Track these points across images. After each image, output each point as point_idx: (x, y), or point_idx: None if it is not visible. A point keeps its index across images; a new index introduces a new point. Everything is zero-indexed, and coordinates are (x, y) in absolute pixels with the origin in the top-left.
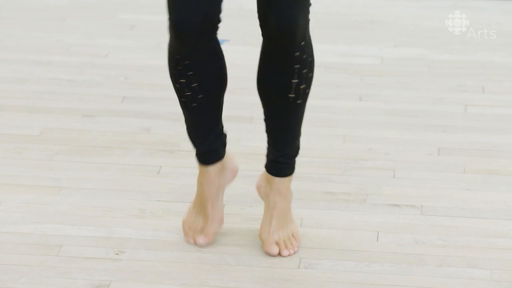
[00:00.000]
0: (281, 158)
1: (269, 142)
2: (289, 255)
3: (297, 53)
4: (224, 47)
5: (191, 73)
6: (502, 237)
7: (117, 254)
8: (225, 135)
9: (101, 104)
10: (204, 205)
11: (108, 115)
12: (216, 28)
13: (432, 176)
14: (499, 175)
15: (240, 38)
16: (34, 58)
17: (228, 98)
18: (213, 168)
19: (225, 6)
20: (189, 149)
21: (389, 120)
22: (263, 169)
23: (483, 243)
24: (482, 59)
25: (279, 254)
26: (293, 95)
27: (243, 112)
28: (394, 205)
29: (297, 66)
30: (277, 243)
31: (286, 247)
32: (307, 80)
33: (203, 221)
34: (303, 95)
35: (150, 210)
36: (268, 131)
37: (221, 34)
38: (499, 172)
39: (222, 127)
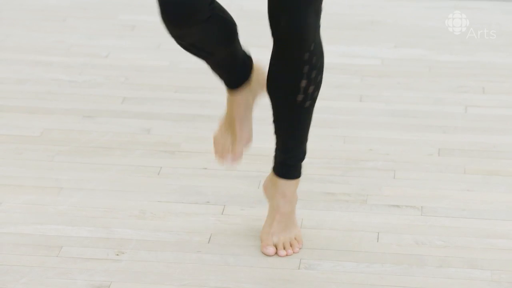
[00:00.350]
0: (287, 160)
1: (276, 144)
2: (286, 255)
3: (307, 55)
4: None
5: (192, 48)
6: (503, 237)
7: (117, 254)
8: (248, 58)
9: (102, 105)
10: (232, 124)
11: (109, 115)
12: (208, 4)
13: (433, 176)
14: (499, 175)
15: (242, 39)
16: (35, 58)
17: None
18: (239, 91)
19: (226, 7)
20: (190, 150)
21: (389, 120)
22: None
23: (483, 243)
24: (483, 60)
25: (276, 254)
26: (301, 98)
27: None
28: (394, 205)
29: (306, 68)
30: (275, 245)
31: (284, 248)
32: (316, 83)
33: (231, 140)
34: (312, 98)
35: (151, 210)
36: (276, 133)
37: None
38: (499, 172)
39: (244, 54)
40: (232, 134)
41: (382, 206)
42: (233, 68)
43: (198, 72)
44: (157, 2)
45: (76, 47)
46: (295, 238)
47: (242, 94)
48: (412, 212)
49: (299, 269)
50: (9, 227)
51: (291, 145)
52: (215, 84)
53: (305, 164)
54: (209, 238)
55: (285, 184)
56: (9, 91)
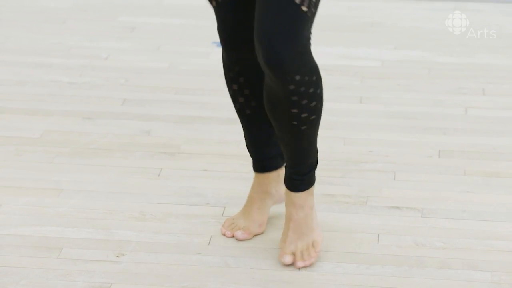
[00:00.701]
0: (293, 175)
1: (284, 158)
2: (304, 266)
3: (292, 87)
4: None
5: (242, 78)
6: (503, 239)
7: (117, 256)
8: (281, 156)
9: (102, 107)
10: (250, 207)
11: (109, 117)
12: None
13: (433, 178)
14: (499, 177)
15: None
16: (35, 60)
17: (229, 100)
18: (267, 177)
19: None
20: (190, 152)
21: (389, 122)
22: None
23: (483, 245)
24: (482, 61)
25: (294, 265)
26: (296, 123)
27: None
28: (394, 207)
29: (295, 98)
30: (294, 253)
31: (302, 257)
32: (310, 109)
33: (244, 221)
34: (308, 123)
35: (151, 212)
36: (281, 148)
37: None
38: (499, 174)
39: (277, 145)
40: (247, 216)
41: (382, 207)
42: (268, 139)
43: (198, 74)
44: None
45: (76, 49)
46: (312, 244)
47: (270, 183)
48: (412, 213)
49: (299, 270)
50: (9, 228)
51: (295, 161)
52: (215, 86)
53: None
54: (209, 240)
55: (294, 195)
56: (9, 92)
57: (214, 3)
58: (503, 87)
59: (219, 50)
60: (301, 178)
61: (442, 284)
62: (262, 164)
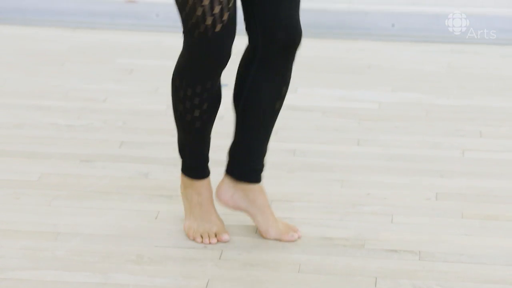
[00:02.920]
0: (258, 166)
1: (241, 154)
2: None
3: (288, 76)
4: (222, 92)
5: (206, 104)
6: (501, 282)
7: None
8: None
9: (99, 149)
10: (209, 211)
11: (106, 160)
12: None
13: (430, 221)
14: (497, 220)
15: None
16: (33, 102)
17: (227, 142)
18: (206, 180)
19: None
20: None
21: (387, 164)
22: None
23: None
24: (480, 104)
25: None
26: (279, 103)
27: None
28: (392, 250)
29: (289, 75)
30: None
31: (288, 232)
32: (284, 96)
33: (216, 225)
34: (281, 103)
35: (148, 255)
36: (239, 144)
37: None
38: (497, 217)
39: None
40: (214, 220)
41: (380, 250)
42: (207, 151)
43: None
44: (201, 42)
45: (74, 91)
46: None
47: (209, 182)
48: (410, 256)
49: None
50: (7, 272)
51: (261, 153)
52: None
53: (303, 208)
54: (207, 283)
55: (259, 186)
56: (7, 135)
57: (218, 27)
58: (501, 130)
59: None
60: (261, 169)
61: None
62: (205, 169)
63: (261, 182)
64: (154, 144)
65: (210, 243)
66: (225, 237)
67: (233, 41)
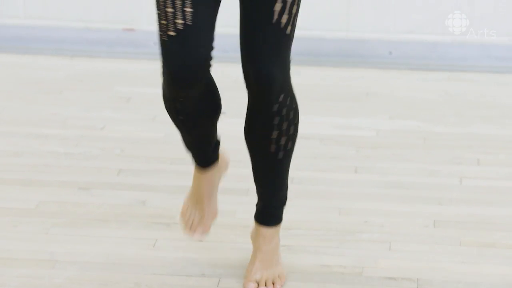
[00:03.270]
0: (265, 208)
1: (256, 192)
2: None
3: (276, 107)
4: (220, 120)
5: (184, 115)
6: None
7: None
8: (219, 142)
9: (97, 177)
10: (200, 201)
11: (104, 187)
12: (209, 66)
13: (428, 248)
14: (495, 248)
15: (236, 111)
16: (31, 131)
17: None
18: (209, 170)
19: (220, 79)
20: None
21: (384, 192)
22: None
23: None
24: (477, 131)
25: None
26: (274, 149)
27: (238, 184)
28: (390, 278)
29: (277, 119)
30: (258, 282)
31: (265, 285)
32: (289, 135)
33: (199, 215)
34: (285, 149)
35: (146, 283)
36: (254, 181)
37: None
38: (495, 245)
39: (217, 136)
40: (200, 210)
41: (378, 278)
42: (208, 148)
43: None
44: (167, 60)
45: (72, 119)
46: (278, 276)
47: (211, 173)
48: (408, 284)
49: None
50: None
51: (268, 194)
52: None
53: (300, 235)
54: None
55: (264, 230)
56: (5, 163)
57: (180, 25)
58: (498, 157)
59: None
60: (272, 212)
61: None
62: (206, 162)
63: (269, 228)
64: (152, 172)
65: (192, 234)
66: (198, 231)
67: (194, 52)
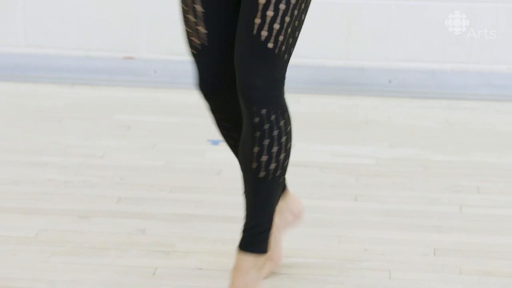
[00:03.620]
0: (243, 231)
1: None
2: None
3: (256, 120)
4: (218, 148)
5: (228, 125)
6: None
7: None
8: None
9: (97, 205)
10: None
11: (104, 216)
12: (229, 79)
13: (428, 277)
14: (495, 276)
15: None
16: (30, 159)
17: (225, 198)
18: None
19: None
20: (185, 250)
21: (384, 220)
22: None
23: None
24: (477, 160)
25: None
26: (255, 166)
27: (240, 212)
28: None
29: (258, 134)
30: None
31: None
32: (270, 153)
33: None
34: (266, 170)
35: None
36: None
37: (215, 135)
38: (495, 273)
39: None
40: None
41: None
42: None
43: (193, 172)
44: (194, 72)
45: (72, 147)
46: None
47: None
48: None
49: None
50: None
51: (248, 215)
52: (210, 184)
53: (300, 264)
54: None
55: (241, 257)
56: (4, 192)
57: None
58: (498, 185)
59: (215, 148)
60: (249, 237)
61: None
62: None
63: (246, 256)
64: (152, 200)
65: None
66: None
67: (214, 69)
